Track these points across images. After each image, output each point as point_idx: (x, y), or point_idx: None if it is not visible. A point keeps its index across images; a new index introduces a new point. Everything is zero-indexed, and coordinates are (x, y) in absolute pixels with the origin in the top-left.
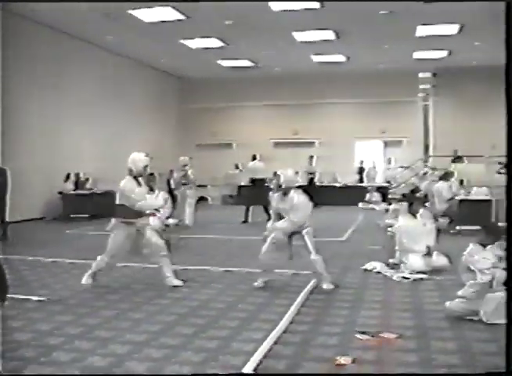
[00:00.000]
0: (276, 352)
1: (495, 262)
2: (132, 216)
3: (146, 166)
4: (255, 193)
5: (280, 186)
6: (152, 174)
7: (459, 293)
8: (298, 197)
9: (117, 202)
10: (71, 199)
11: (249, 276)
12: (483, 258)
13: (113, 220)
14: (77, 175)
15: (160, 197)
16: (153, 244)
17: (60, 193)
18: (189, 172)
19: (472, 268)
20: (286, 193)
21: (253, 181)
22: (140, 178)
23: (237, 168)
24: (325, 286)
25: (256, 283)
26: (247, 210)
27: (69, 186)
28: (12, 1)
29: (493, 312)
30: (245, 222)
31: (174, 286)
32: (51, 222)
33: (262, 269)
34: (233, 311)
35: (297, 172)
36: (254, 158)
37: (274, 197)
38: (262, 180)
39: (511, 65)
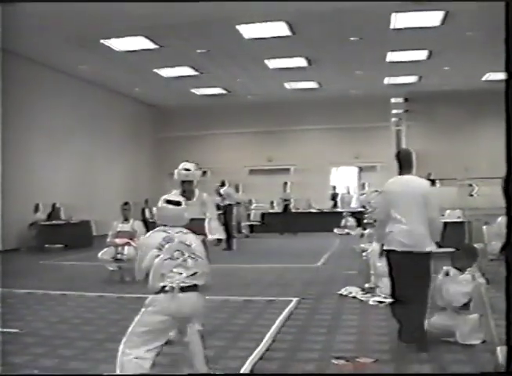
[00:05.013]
0: None
1: (476, 282)
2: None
3: (182, 181)
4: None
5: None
6: (127, 203)
7: (435, 317)
8: None
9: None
10: (45, 229)
11: (225, 305)
12: (460, 287)
13: None
14: (53, 205)
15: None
16: None
17: (32, 224)
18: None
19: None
20: None
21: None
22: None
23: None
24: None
25: None
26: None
27: (39, 217)
28: (12, 1)
29: (469, 333)
30: (227, 249)
31: None
32: (25, 252)
33: None
34: (210, 339)
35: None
36: (223, 184)
37: None
38: (230, 206)
39: (511, 68)
